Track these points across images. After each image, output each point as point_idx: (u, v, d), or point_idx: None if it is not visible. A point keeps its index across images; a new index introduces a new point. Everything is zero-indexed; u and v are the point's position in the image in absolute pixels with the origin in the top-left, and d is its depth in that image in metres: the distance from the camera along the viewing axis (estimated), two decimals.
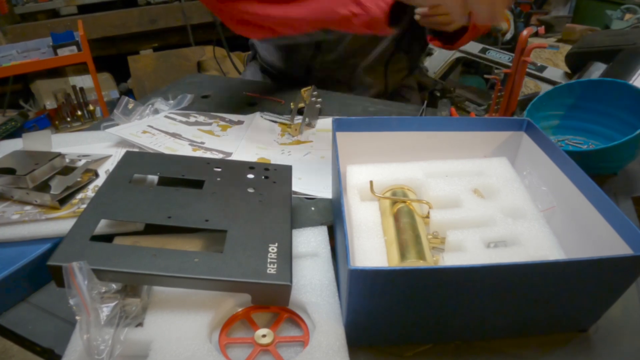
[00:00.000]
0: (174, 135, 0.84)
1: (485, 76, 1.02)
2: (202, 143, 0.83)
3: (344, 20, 0.60)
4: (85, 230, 0.51)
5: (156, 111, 0.95)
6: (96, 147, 0.75)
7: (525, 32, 0.75)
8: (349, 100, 1.07)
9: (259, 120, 0.94)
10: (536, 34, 1.87)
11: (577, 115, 0.82)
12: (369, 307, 0.45)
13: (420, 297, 0.44)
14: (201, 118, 0.94)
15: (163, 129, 0.85)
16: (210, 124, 0.92)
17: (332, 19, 0.62)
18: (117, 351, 0.45)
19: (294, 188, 0.68)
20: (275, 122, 0.95)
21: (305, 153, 0.82)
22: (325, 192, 0.71)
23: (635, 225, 0.45)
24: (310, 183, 0.73)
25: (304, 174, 0.75)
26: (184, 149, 0.78)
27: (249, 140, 0.85)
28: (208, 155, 0.78)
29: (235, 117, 0.96)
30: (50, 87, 2.37)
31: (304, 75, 1.15)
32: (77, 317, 0.44)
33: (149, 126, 0.85)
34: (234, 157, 0.78)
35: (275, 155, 0.81)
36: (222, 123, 0.93)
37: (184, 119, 0.92)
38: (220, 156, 0.78)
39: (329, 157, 0.80)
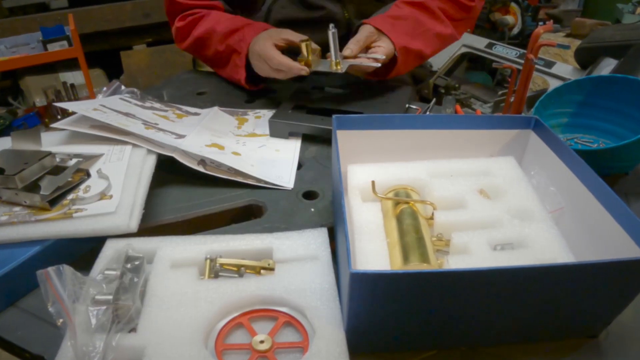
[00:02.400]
0: (127, 114, 0.82)
1: (494, 65, 1.00)
2: (156, 124, 0.81)
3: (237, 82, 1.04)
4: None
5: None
6: (88, 146, 0.74)
7: (541, 30, 0.74)
8: None
9: (217, 113, 0.95)
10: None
11: (587, 112, 0.81)
12: (370, 312, 0.44)
13: (424, 301, 0.43)
14: (157, 105, 0.94)
15: (115, 108, 0.83)
16: (166, 110, 0.92)
17: (234, 79, 1.05)
18: (109, 357, 0.44)
19: (249, 172, 0.73)
20: (232, 115, 0.96)
21: (260, 145, 0.84)
22: (279, 180, 0.74)
23: None
24: (263, 171, 0.75)
25: (256, 162, 0.77)
26: (135, 127, 0.76)
27: (204, 128, 0.85)
28: (161, 134, 0.77)
29: (192, 109, 0.96)
30: (40, 83, 2.33)
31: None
32: (58, 323, 0.43)
33: (101, 105, 0.83)
34: (187, 140, 0.77)
35: (230, 144, 0.82)
36: (178, 112, 0.93)
37: (139, 103, 0.91)
38: (173, 137, 0.77)
39: (284, 150, 0.83)
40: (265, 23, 1.01)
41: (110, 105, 0.83)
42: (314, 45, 0.87)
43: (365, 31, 0.90)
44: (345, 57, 0.86)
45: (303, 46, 0.86)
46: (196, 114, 0.94)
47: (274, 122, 0.86)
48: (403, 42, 0.91)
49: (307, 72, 0.86)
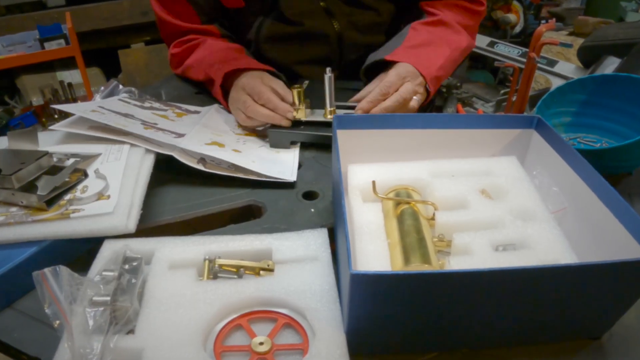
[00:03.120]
0: (126, 115, 0.81)
1: (496, 63, 1.00)
2: (155, 124, 0.81)
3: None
4: None
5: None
6: (85, 146, 0.73)
7: (543, 29, 0.73)
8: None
9: (217, 111, 0.95)
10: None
11: (590, 112, 0.80)
12: (371, 314, 0.44)
13: (425, 303, 0.43)
14: (157, 104, 0.94)
15: (114, 109, 0.83)
16: (165, 110, 0.92)
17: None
18: (107, 359, 0.44)
19: (250, 167, 0.72)
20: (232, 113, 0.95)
21: (260, 145, 0.84)
22: (281, 175, 0.73)
23: None
24: (265, 166, 0.75)
25: (257, 159, 0.77)
26: (134, 127, 0.75)
27: (204, 127, 0.85)
28: (160, 134, 0.76)
29: (192, 108, 0.96)
30: (37, 82, 2.31)
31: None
32: (55, 325, 0.43)
33: (100, 107, 0.82)
34: (187, 139, 0.76)
35: (230, 142, 0.82)
36: (177, 111, 0.93)
37: (138, 103, 0.91)
38: (172, 136, 0.77)
39: (283, 151, 0.83)
40: (253, 60, 0.94)
41: (108, 107, 0.83)
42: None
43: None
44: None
45: (295, 93, 0.81)
46: (196, 112, 0.94)
47: (274, 132, 0.82)
48: (433, 72, 0.85)
49: (292, 118, 0.81)
